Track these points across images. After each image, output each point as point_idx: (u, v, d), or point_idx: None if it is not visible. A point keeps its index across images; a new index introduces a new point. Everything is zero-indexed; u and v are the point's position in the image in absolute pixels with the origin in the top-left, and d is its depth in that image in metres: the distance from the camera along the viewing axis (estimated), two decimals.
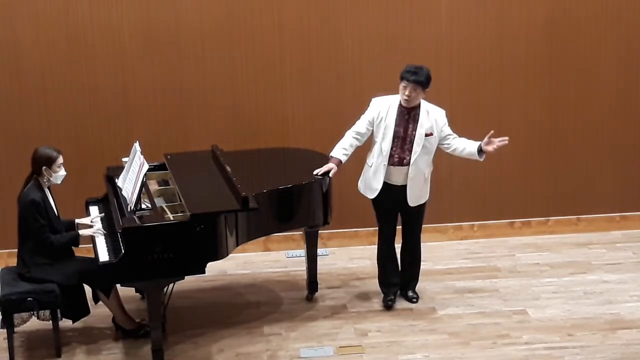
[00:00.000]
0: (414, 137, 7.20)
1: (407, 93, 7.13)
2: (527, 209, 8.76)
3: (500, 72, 8.45)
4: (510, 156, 8.60)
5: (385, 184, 7.26)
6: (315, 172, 7.25)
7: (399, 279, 7.60)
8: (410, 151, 7.19)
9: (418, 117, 7.21)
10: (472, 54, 8.40)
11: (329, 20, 8.25)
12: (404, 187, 7.26)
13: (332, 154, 7.33)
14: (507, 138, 7.20)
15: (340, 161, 7.29)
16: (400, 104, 7.22)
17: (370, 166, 7.30)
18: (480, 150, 7.23)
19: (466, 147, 7.28)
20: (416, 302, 7.61)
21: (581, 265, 8.23)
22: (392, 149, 7.21)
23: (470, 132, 8.15)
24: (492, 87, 8.47)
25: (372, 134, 7.31)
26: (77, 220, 7.20)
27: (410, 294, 7.63)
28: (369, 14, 8.25)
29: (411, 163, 7.20)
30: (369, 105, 7.32)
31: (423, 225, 7.56)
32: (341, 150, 7.31)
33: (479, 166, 8.21)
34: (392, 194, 7.28)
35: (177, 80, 8.24)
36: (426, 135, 7.20)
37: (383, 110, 7.24)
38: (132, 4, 8.06)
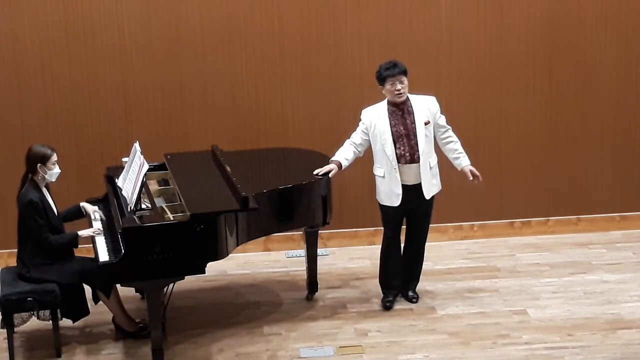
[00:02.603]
0: (416, 128, 7.20)
1: (398, 87, 7.14)
2: (527, 209, 8.76)
3: (500, 72, 8.45)
4: (510, 156, 8.61)
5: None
6: (315, 172, 7.25)
7: (400, 282, 7.59)
8: (418, 144, 7.20)
9: (412, 109, 7.22)
10: (472, 54, 8.40)
11: (329, 21, 8.25)
12: (417, 185, 7.26)
13: (333, 158, 7.34)
14: (478, 180, 7.38)
15: (341, 164, 7.30)
16: (389, 106, 7.22)
17: (383, 176, 7.29)
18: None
19: (454, 159, 7.38)
20: (416, 302, 7.61)
21: (581, 265, 8.23)
22: (399, 149, 7.21)
23: (470, 132, 8.19)
24: (492, 87, 8.47)
25: (369, 145, 7.31)
26: (81, 204, 7.23)
27: (410, 293, 7.63)
28: (368, 13, 8.25)
29: (421, 155, 7.20)
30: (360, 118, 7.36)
31: None
32: (342, 154, 7.33)
33: (479, 166, 8.19)
34: (408, 195, 7.28)
35: (177, 80, 8.24)
36: (425, 124, 7.21)
37: (374, 117, 7.25)
38: (132, 4, 8.06)
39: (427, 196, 7.31)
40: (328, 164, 7.32)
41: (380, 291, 7.62)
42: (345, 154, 7.33)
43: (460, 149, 7.39)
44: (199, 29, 8.17)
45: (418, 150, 7.20)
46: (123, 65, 8.16)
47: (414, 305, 7.59)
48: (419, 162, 7.21)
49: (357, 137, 7.35)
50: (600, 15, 8.40)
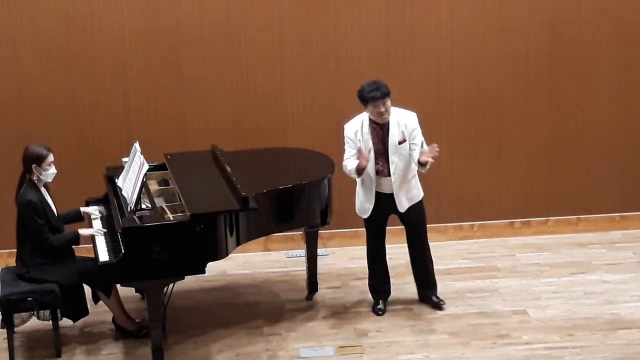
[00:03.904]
0: (388, 148, 7.18)
1: (383, 110, 7.06)
2: (527, 209, 8.76)
3: (501, 72, 8.44)
4: (510, 156, 8.60)
5: (376, 193, 7.25)
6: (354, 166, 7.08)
7: (389, 286, 7.57)
8: (389, 162, 7.19)
9: (388, 128, 7.17)
10: (472, 54, 8.40)
11: (329, 20, 8.25)
12: (393, 194, 7.25)
13: (356, 166, 7.11)
14: (437, 146, 6.98)
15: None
16: (371, 122, 7.16)
17: (361, 185, 7.29)
18: (419, 163, 7.05)
19: (415, 163, 7.13)
20: (444, 305, 7.50)
21: (581, 265, 8.23)
22: (378, 164, 7.20)
23: (470, 132, 8.19)
24: (492, 88, 8.47)
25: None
26: (82, 209, 7.23)
27: (434, 299, 7.55)
28: (369, 13, 8.25)
29: (392, 173, 7.18)
30: (344, 135, 7.22)
31: None
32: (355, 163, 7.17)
33: (479, 166, 8.23)
34: (383, 202, 7.26)
35: (177, 80, 8.24)
36: (399, 143, 7.17)
37: (359, 130, 7.18)
38: (132, 5, 8.06)
39: (402, 209, 7.26)
40: (332, 167, 7.31)
41: (371, 297, 7.58)
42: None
43: (416, 152, 7.10)
44: (199, 30, 8.16)
45: (388, 168, 7.17)
46: (123, 65, 8.16)
47: (414, 305, 7.58)
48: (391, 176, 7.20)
49: (350, 150, 7.17)
50: (600, 15, 8.40)
